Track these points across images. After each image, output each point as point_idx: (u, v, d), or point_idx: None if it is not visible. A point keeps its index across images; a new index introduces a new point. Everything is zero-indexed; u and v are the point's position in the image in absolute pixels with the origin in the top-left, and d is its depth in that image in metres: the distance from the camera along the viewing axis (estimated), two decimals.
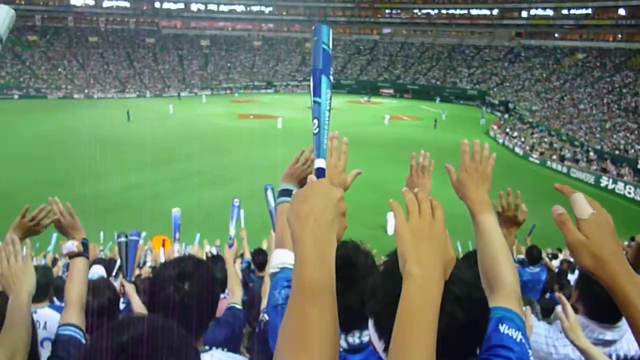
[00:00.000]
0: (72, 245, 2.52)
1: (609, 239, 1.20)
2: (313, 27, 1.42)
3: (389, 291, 1.17)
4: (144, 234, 13.41)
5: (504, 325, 1.45)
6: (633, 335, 1.16)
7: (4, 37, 1.52)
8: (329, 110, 1.34)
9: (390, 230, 18.49)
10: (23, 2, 71.65)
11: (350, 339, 1.77)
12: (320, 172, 1.26)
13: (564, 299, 2.10)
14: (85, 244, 2.55)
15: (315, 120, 1.32)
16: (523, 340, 1.45)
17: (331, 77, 1.37)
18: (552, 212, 1.25)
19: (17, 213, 2.56)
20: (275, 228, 2.07)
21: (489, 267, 1.70)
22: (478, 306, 1.26)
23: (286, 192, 2.05)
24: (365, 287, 1.39)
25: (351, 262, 1.80)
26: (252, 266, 6.74)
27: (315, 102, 1.34)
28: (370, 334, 1.34)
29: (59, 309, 3.38)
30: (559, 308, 2.17)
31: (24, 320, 2.00)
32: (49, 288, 3.44)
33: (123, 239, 4.37)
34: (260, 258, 6.43)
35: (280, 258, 1.88)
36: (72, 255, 2.51)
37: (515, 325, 1.47)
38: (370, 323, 1.32)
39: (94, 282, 3.13)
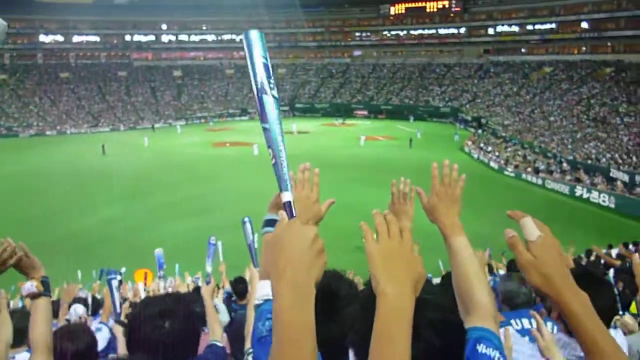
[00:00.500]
0: (31, 286, 2.40)
1: (555, 259, 1.28)
2: (242, 36, 1.34)
3: (368, 320, 1.18)
4: (123, 269, 13.21)
5: (482, 345, 1.46)
6: (580, 346, 1.24)
7: None
8: (281, 134, 1.30)
9: None
10: None
11: None
12: (287, 207, 1.25)
13: (537, 317, 2.11)
14: (45, 282, 2.44)
15: (270, 150, 1.29)
16: (501, 359, 1.46)
17: (274, 92, 1.31)
18: (504, 234, 1.34)
19: None
20: (260, 258, 2.05)
21: (463, 288, 1.73)
22: (453, 330, 1.28)
23: (271, 223, 2.02)
24: (346, 317, 1.38)
25: (332, 292, 1.80)
26: (233, 296, 6.67)
27: (264, 128, 1.30)
28: None
29: None
30: (534, 326, 2.17)
31: None
32: (26, 332, 3.35)
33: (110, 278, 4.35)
34: (240, 287, 6.38)
35: (265, 289, 1.86)
36: (33, 296, 2.39)
37: (492, 344, 1.48)
38: (351, 354, 1.32)
39: (70, 327, 3.06)
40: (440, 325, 1.23)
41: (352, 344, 1.32)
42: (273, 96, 1.30)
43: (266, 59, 1.32)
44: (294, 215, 1.25)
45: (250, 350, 1.92)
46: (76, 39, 78.44)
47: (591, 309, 1.23)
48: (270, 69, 1.31)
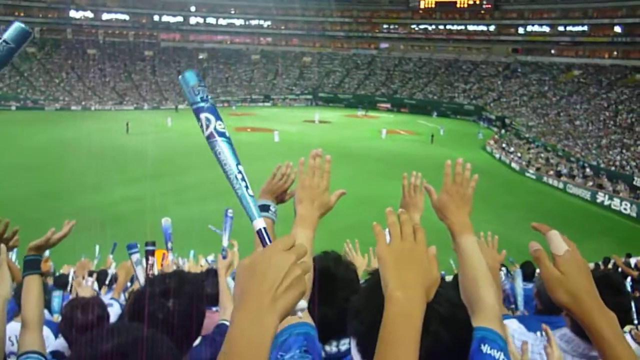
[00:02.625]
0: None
1: (584, 276, 1.25)
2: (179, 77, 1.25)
3: (372, 312, 1.16)
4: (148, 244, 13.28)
5: (486, 345, 1.45)
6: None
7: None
8: (238, 167, 1.22)
9: None
10: (22, 14, 72.01)
11: (327, 348, 1.77)
12: (261, 235, 1.15)
13: (549, 332, 2.07)
14: (36, 260, 2.44)
15: (232, 185, 1.22)
16: None
17: (222, 129, 1.22)
18: (529, 247, 1.29)
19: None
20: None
21: (469, 288, 1.71)
22: (463, 327, 1.26)
23: (264, 208, 2.04)
24: (347, 306, 1.36)
25: (330, 274, 1.81)
26: None
27: (224, 171, 1.24)
28: (353, 355, 1.32)
29: (47, 323, 3.30)
30: (544, 343, 2.14)
31: None
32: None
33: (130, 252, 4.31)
34: None
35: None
36: (29, 273, 2.38)
37: (497, 345, 1.47)
38: (353, 343, 1.31)
39: (83, 299, 3.07)
40: (450, 320, 1.21)
41: (355, 334, 1.30)
42: (221, 133, 1.22)
43: (208, 101, 1.22)
44: (270, 242, 1.13)
45: None
46: (105, 16, 79.10)
47: (618, 329, 1.20)
48: (215, 109, 1.23)
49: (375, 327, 1.10)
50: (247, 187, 1.21)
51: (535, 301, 3.86)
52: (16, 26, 1.39)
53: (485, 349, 1.44)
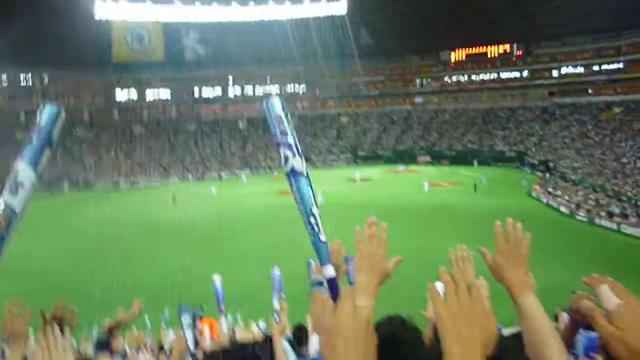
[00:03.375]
0: None
1: None
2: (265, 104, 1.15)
3: None
4: (198, 310, 13.34)
5: None
6: None
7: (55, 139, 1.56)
8: (315, 204, 1.21)
9: None
10: (72, 100, 76.06)
11: None
12: (332, 286, 1.19)
13: None
14: (109, 342, 2.69)
15: (309, 225, 1.22)
16: None
17: (298, 165, 1.19)
18: (582, 307, 1.27)
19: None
20: (311, 314, 2.05)
21: (535, 350, 1.66)
22: None
23: (317, 283, 2.04)
24: None
25: (397, 340, 1.79)
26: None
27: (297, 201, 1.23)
28: None
29: None
30: None
31: None
32: None
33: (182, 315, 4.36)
34: (300, 334, 6.26)
35: (316, 344, 1.89)
36: (100, 353, 2.62)
37: None
38: None
39: None
40: None
41: None
42: (300, 174, 1.25)
43: (287, 134, 1.20)
44: (339, 292, 1.19)
45: None
46: (149, 95, 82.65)
47: None
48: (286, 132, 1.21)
49: None
50: (319, 231, 1.22)
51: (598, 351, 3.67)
52: (46, 108, 1.49)
53: None
